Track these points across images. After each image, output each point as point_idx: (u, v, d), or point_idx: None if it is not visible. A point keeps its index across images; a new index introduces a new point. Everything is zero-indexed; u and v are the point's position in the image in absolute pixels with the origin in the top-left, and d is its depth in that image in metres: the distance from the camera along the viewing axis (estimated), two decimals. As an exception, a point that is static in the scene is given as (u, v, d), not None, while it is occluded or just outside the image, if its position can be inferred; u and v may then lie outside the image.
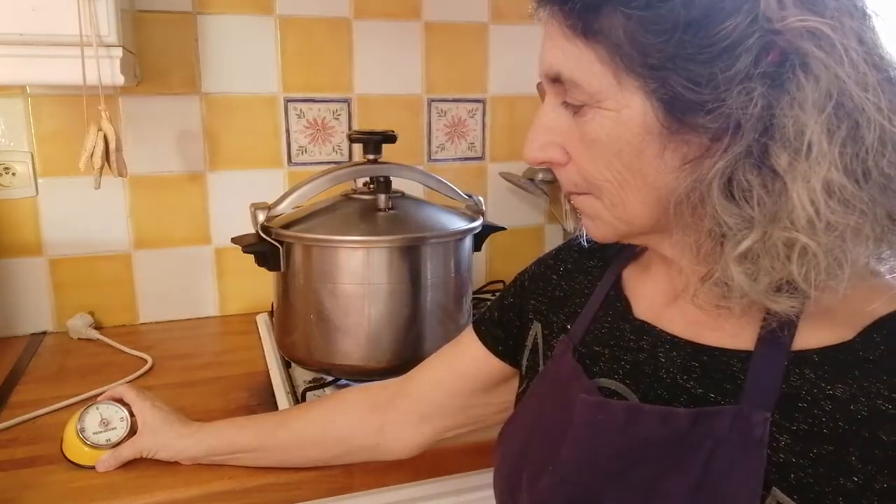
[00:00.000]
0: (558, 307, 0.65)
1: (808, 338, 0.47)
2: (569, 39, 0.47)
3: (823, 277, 0.43)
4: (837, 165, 0.41)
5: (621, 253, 0.62)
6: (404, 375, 0.77)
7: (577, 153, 0.50)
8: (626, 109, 0.46)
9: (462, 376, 0.72)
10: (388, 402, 0.76)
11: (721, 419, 0.46)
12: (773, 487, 0.44)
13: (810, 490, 0.43)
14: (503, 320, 0.70)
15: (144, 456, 0.79)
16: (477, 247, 1.08)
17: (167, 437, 0.79)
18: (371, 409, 0.77)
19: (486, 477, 0.76)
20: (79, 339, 1.21)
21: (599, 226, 0.53)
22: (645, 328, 0.56)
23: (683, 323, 0.53)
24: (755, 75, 0.42)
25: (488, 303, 1.52)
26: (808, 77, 0.41)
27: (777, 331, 0.47)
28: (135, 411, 0.82)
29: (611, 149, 0.47)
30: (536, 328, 0.66)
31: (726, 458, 0.46)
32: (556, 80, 0.49)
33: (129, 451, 0.79)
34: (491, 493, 0.66)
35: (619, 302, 0.59)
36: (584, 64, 0.46)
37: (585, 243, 0.65)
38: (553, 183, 1.44)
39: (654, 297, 0.57)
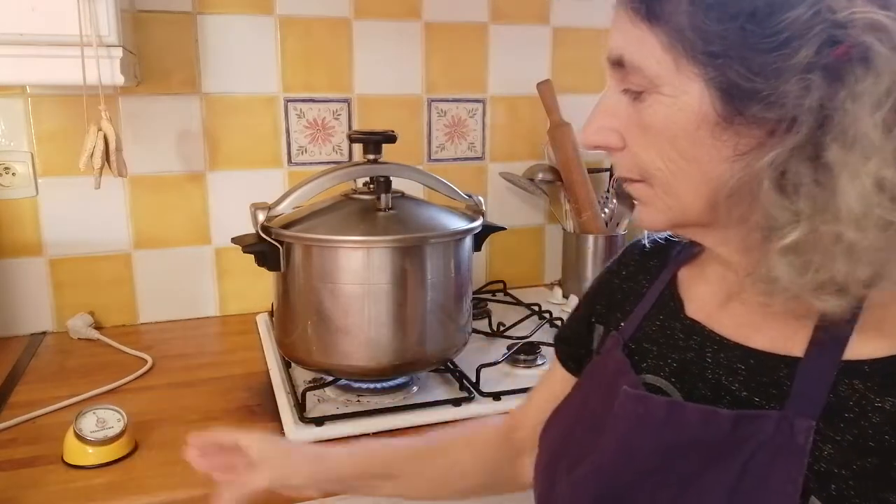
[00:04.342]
0: (617, 308, 0.65)
1: (861, 348, 0.46)
2: (633, 23, 0.47)
3: (870, 275, 0.42)
4: (890, 162, 0.41)
5: (681, 254, 0.62)
6: (515, 409, 0.75)
7: (634, 139, 0.50)
8: (684, 96, 0.45)
9: (558, 400, 0.67)
10: (508, 435, 0.74)
11: (764, 423, 0.46)
12: (812, 496, 0.43)
13: (849, 502, 0.43)
14: (574, 335, 0.70)
15: (273, 487, 0.70)
16: (477, 247, 1.08)
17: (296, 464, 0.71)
18: (503, 440, 0.74)
19: (486, 477, 0.76)
20: (79, 339, 1.21)
21: (651, 212, 0.53)
22: (695, 328, 0.55)
23: (734, 325, 0.53)
24: (815, 67, 0.41)
25: (488, 303, 1.51)
26: (868, 72, 0.41)
27: (828, 339, 0.46)
28: (242, 445, 0.70)
29: (665, 135, 0.47)
30: (598, 330, 0.66)
31: (766, 462, 0.45)
32: (619, 63, 0.48)
33: (258, 483, 0.69)
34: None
35: (672, 301, 0.59)
36: (645, 48, 0.46)
37: (647, 244, 0.65)
38: (553, 183, 1.44)
39: (708, 297, 0.57)
